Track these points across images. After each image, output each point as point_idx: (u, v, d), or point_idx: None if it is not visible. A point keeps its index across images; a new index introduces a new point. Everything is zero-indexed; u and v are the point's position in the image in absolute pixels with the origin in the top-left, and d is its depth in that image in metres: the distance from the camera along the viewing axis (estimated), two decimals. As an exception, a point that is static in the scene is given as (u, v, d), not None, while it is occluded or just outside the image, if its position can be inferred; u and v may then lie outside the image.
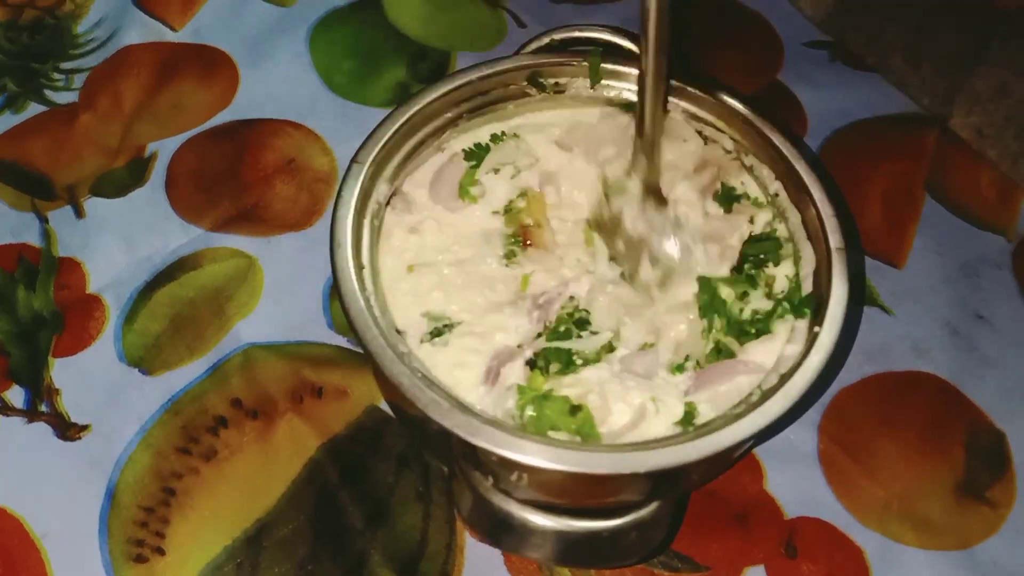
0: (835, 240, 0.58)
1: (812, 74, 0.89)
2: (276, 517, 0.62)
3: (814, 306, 0.58)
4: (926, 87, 0.89)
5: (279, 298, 0.71)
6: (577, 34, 0.71)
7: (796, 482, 0.65)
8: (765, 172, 0.64)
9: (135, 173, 0.78)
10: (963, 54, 0.90)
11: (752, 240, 0.62)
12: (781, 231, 0.63)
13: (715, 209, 0.63)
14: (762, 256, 0.62)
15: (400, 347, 0.55)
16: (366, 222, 0.61)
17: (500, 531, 0.54)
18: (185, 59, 0.86)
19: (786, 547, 0.63)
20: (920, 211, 0.80)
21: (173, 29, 0.88)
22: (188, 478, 0.63)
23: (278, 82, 0.84)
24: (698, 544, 0.63)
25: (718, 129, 0.66)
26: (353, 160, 0.61)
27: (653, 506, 0.53)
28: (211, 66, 0.85)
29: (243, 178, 0.78)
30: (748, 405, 0.53)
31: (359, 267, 0.58)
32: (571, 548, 0.53)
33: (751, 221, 0.63)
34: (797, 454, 0.66)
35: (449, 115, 0.66)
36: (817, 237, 0.60)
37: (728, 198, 0.64)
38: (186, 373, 0.67)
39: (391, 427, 0.67)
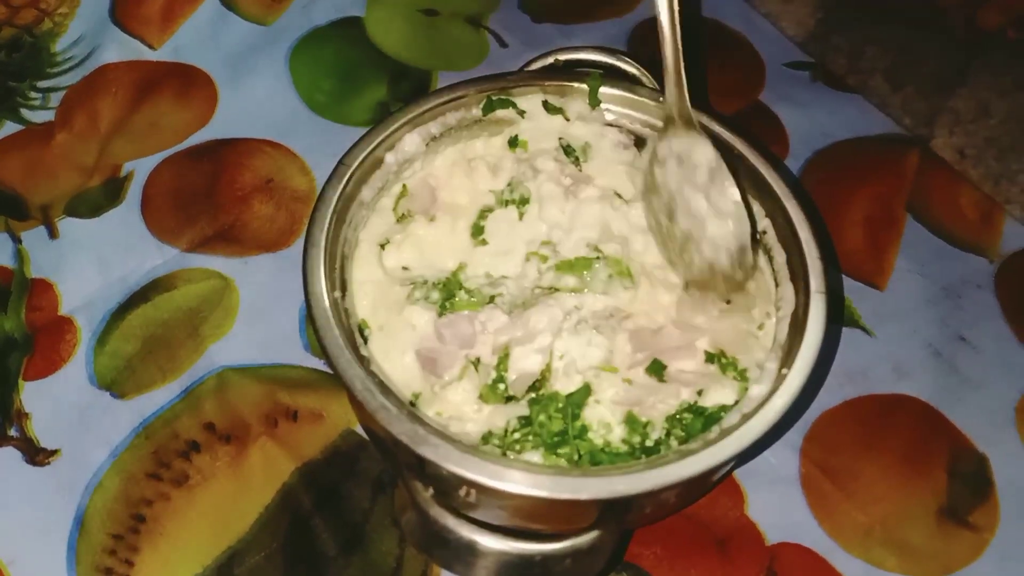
0: (816, 283, 0.58)
1: (794, 95, 0.89)
2: (248, 544, 0.61)
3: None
4: (907, 108, 0.88)
5: (254, 320, 0.70)
6: (582, 56, 0.70)
7: (778, 506, 0.64)
8: (756, 208, 0.64)
9: (110, 193, 0.77)
10: (945, 75, 0.90)
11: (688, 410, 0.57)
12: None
13: (644, 379, 0.58)
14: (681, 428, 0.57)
15: (361, 350, 0.54)
16: (345, 227, 0.61)
17: (434, 544, 0.53)
18: (163, 78, 0.85)
19: (767, 574, 0.63)
20: (902, 232, 0.80)
21: (152, 47, 0.87)
22: (158, 504, 0.62)
23: (257, 101, 0.83)
24: (677, 570, 0.63)
25: None
26: (340, 162, 0.61)
27: (593, 534, 0.52)
28: (189, 85, 0.85)
29: (220, 198, 0.77)
30: (704, 442, 0.52)
31: (331, 267, 0.58)
32: (502, 569, 0.52)
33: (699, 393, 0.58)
34: (778, 478, 0.66)
35: (435, 129, 0.67)
36: (799, 278, 0.59)
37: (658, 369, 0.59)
38: (158, 397, 0.66)
39: (367, 451, 0.66)
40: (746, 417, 0.53)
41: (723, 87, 0.88)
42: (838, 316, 0.74)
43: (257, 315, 0.70)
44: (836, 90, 0.90)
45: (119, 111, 0.82)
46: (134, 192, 0.76)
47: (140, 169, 0.78)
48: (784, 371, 0.55)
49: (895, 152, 0.85)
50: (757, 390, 0.56)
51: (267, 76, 0.85)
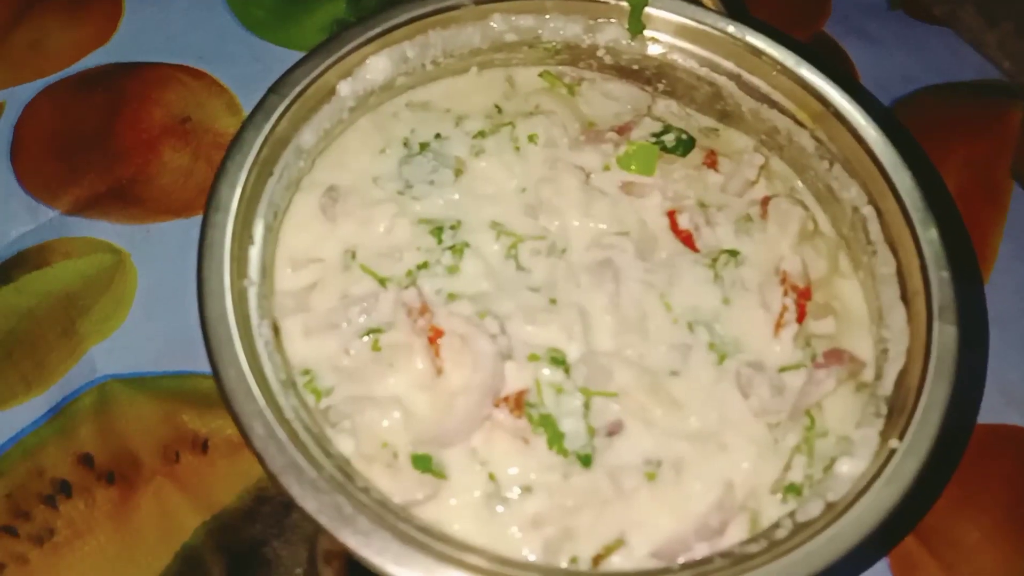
0: (943, 308, 0.42)
1: (866, 26, 0.77)
2: (132, 631, 0.48)
3: None
4: (1005, 48, 0.75)
5: (155, 311, 0.59)
6: None
7: (852, 581, 0.52)
8: (854, 192, 0.49)
9: (-29, 134, 0.65)
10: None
11: None
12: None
13: None
14: None
15: (280, 372, 0.41)
16: (272, 181, 0.47)
17: None
18: (55, -17, 0.74)
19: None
20: (1006, 206, 0.68)
21: (44, -58, 0.75)
22: (12, 569, 0.51)
23: (174, 16, 0.72)
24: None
25: (797, 121, 0.51)
26: (271, 89, 0.47)
27: None
28: (88, -7, 0.73)
29: (118, 142, 0.66)
30: (768, 544, 0.38)
31: (243, 243, 0.44)
32: None
33: None
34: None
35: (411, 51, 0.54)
36: (916, 300, 0.44)
37: None
38: (18, 416, 0.55)
39: (303, 496, 0.53)
40: (835, 511, 0.38)
41: (777, 15, 0.75)
42: (979, 361, 0.60)
43: (159, 304, 0.59)
44: (921, 22, 0.78)
45: (-6, 27, 0.71)
46: (3, 133, 0.65)
47: (13, 101, 0.68)
48: (893, 443, 0.40)
49: (994, 105, 0.73)
50: (849, 466, 0.41)
51: (190, -18, 0.72)
